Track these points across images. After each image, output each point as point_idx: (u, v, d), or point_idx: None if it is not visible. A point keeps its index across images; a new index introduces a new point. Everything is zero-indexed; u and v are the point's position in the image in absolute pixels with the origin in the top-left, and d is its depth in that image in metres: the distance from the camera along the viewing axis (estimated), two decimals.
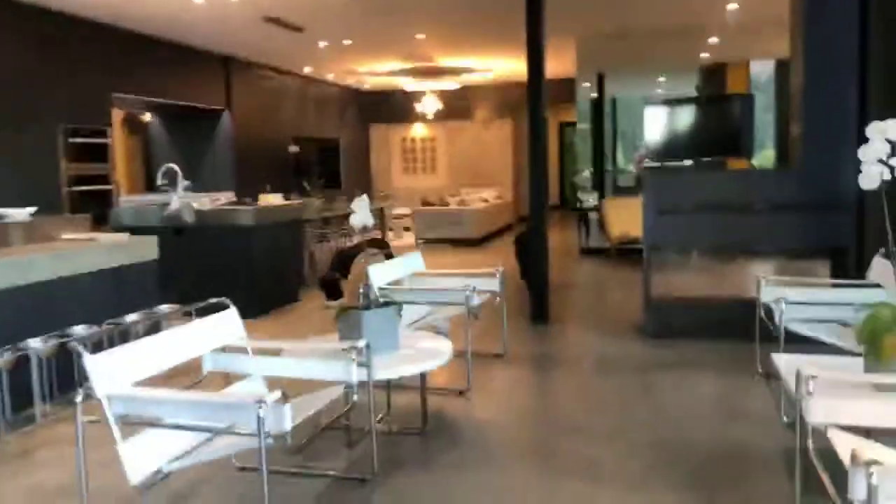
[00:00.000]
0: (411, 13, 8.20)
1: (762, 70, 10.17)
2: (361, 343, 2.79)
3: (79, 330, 4.20)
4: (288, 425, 2.17)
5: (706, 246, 6.38)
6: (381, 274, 4.25)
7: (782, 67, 9.19)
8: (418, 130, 15.82)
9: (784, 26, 5.60)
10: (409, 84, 12.85)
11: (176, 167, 6.58)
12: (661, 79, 10.72)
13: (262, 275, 6.43)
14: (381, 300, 3.63)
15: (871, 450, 1.81)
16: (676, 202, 5.26)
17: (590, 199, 10.20)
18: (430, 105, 12.97)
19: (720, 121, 9.66)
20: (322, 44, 9.83)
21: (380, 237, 7.95)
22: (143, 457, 2.22)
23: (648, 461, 3.16)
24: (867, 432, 2.22)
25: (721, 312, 5.14)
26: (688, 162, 9.53)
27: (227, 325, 2.88)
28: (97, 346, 4.27)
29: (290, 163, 12.39)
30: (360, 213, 3.29)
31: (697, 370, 4.52)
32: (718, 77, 10.40)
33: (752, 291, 3.93)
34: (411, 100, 14.90)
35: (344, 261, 6.80)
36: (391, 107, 15.63)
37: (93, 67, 8.08)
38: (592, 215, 10.12)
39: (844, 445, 1.98)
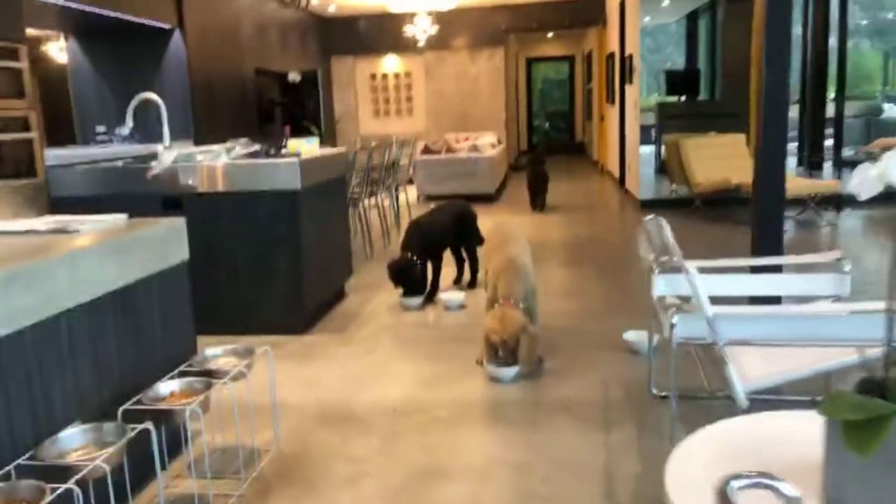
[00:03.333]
0: None
1: None
2: None
3: (70, 439, 1.90)
4: None
5: None
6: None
7: None
8: (390, 65, 13.31)
9: None
10: (395, 3, 10.37)
11: (159, 99, 4.11)
12: None
13: (311, 265, 4.12)
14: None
15: None
16: None
17: None
18: (422, 28, 10.51)
19: None
20: None
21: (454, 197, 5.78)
22: None
23: None
24: None
25: None
26: None
27: None
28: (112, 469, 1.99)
29: (254, 102, 9.76)
30: None
31: None
32: None
33: None
34: (385, 25, 12.37)
35: (424, 238, 4.61)
36: (359, 35, 13.01)
37: None
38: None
39: None
